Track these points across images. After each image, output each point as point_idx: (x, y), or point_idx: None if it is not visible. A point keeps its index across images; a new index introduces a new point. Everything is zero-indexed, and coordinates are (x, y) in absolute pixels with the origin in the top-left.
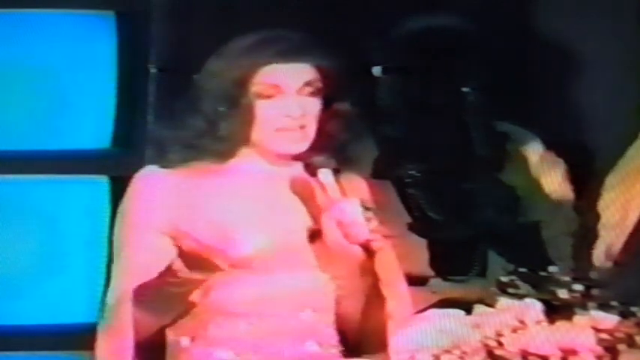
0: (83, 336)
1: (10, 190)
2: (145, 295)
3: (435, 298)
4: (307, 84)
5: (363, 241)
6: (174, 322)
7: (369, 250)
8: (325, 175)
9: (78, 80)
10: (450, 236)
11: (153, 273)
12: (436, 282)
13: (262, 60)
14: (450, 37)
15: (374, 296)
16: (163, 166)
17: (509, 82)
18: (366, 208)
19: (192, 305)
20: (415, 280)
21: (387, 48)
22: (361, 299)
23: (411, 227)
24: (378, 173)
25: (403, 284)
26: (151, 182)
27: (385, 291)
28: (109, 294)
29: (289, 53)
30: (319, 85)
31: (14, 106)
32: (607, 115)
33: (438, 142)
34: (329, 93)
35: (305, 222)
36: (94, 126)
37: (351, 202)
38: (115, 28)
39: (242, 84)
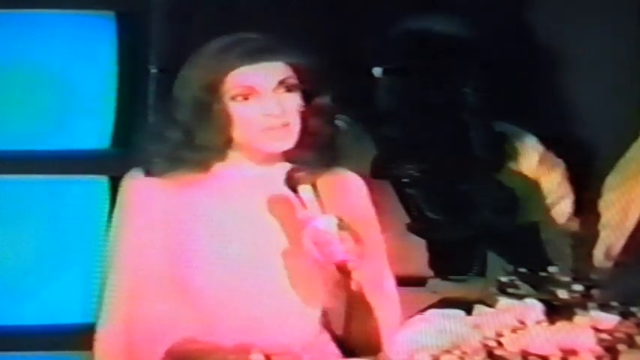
0: (82, 336)
1: (10, 190)
2: None
3: (434, 298)
4: (281, 82)
5: (338, 261)
6: None
7: (344, 271)
8: (304, 191)
9: (78, 80)
10: (449, 236)
11: (151, 275)
12: (435, 282)
13: (230, 63)
14: (449, 38)
15: (356, 308)
16: (149, 175)
17: (509, 83)
18: (343, 227)
19: None
20: (414, 281)
21: (386, 49)
22: (341, 315)
23: (410, 228)
24: (376, 173)
25: (391, 291)
26: (143, 190)
27: (372, 301)
28: (108, 294)
29: (256, 53)
30: (294, 81)
31: (14, 106)
32: (607, 115)
33: (436, 142)
34: (308, 89)
35: (281, 243)
36: (94, 126)
37: (327, 220)
38: (115, 28)
39: (212, 89)
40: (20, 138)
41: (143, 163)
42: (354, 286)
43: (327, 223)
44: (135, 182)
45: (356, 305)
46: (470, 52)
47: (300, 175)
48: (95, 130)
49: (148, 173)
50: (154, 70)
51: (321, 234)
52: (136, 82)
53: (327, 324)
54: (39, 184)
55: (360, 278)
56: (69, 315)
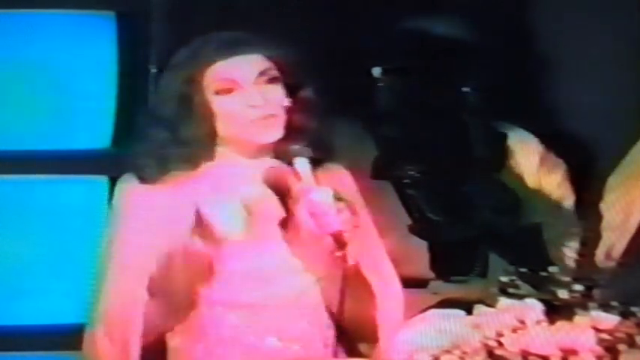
0: (81, 336)
1: (10, 190)
2: (157, 288)
3: (436, 300)
4: (262, 73)
5: (334, 231)
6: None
7: (339, 241)
8: (301, 163)
9: (78, 80)
10: (451, 237)
11: (145, 275)
12: (437, 284)
13: (207, 57)
14: (449, 38)
15: (353, 282)
16: (142, 181)
17: (509, 83)
18: (339, 199)
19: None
20: (416, 283)
21: (386, 49)
22: (338, 287)
23: (412, 229)
24: (377, 174)
25: (387, 264)
26: (136, 195)
27: (368, 274)
28: (102, 296)
29: (233, 46)
30: (275, 73)
31: (14, 106)
32: (608, 115)
33: (437, 143)
34: (290, 82)
35: (278, 213)
36: (94, 126)
37: (323, 191)
38: (115, 28)
39: (192, 83)
40: (20, 138)
41: (135, 167)
42: (350, 260)
43: (323, 194)
44: (128, 187)
45: (352, 280)
46: (470, 52)
47: (295, 147)
48: (95, 130)
49: (140, 177)
50: (153, 70)
51: (317, 205)
52: (136, 82)
53: (327, 307)
54: (39, 184)
55: (357, 258)
56: (68, 315)
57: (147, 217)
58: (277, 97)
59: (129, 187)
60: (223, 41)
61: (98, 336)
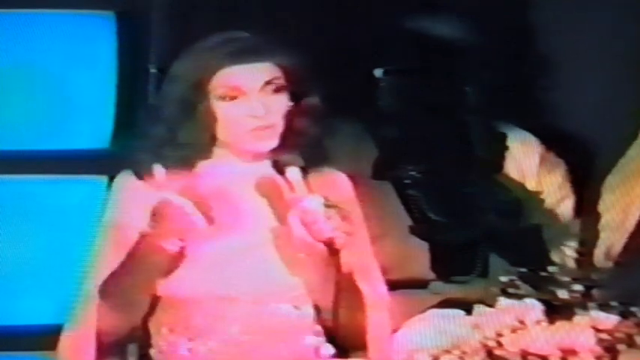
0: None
1: (10, 190)
2: (110, 288)
3: (436, 300)
4: (268, 83)
5: (326, 238)
6: (147, 316)
7: (332, 248)
8: (293, 172)
9: (78, 80)
10: (451, 238)
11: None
12: (437, 284)
13: (218, 63)
14: (450, 38)
15: (345, 289)
16: (139, 177)
17: (509, 83)
18: (329, 206)
19: (157, 298)
20: (416, 283)
21: (387, 49)
22: (331, 294)
23: (413, 230)
24: (377, 174)
25: (377, 271)
26: (131, 193)
27: (359, 281)
28: (79, 296)
29: (244, 54)
30: (281, 82)
31: (14, 106)
32: (607, 115)
33: (438, 143)
34: (296, 89)
35: (270, 222)
36: (94, 126)
37: (313, 199)
38: (115, 28)
39: (199, 88)
40: (20, 138)
41: (132, 162)
42: (344, 268)
43: (314, 202)
44: (125, 182)
45: (345, 288)
46: (470, 53)
47: (287, 157)
48: (95, 130)
49: (138, 173)
50: (153, 70)
51: (308, 213)
52: (136, 82)
53: (319, 319)
54: (39, 184)
55: (350, 265)
56: (68, 315)
57: (141, 214)
58: (280, 107)
59: (126, 182)
60: (236, 47)
61: (71, 337)
